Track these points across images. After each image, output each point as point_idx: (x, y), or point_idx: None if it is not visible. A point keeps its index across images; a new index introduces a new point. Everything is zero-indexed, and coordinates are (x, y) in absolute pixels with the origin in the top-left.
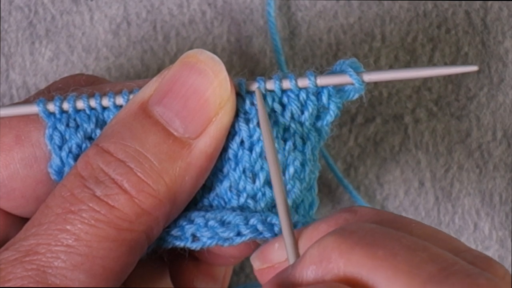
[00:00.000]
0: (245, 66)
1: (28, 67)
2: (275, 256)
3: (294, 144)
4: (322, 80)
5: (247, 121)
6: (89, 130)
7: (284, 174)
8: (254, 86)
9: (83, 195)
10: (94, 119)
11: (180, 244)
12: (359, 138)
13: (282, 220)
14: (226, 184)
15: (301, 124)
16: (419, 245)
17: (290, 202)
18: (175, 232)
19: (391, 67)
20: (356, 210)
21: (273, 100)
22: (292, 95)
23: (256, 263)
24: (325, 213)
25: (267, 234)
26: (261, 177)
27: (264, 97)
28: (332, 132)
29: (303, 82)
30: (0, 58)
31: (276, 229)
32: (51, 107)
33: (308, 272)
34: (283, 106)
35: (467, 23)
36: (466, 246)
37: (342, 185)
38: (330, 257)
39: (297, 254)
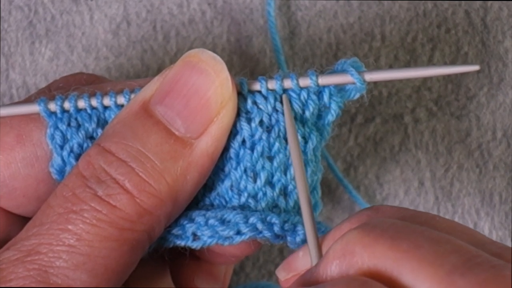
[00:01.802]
0: (245, 66)
1: (28, 67)
2: (299, 264)
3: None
4: (323, 80)
5: (249, 121)
6: (90, 129)
7: (285, 175)
8: (256, 86)
9: (85, 195)
10: (95, 119)
11: (181, 243)
12: (359, 137)
13: (306, 223)
14: (227, 183)
15: (303, 123)
16: (442, 237)
17: (292, 203)
18: (176, 231)
19: (391, 66)
20: (378, 208)
21: (275, 99)
22: (294, 95)
23: (282, 273)
24: (325, 212)
25: (267, 233)
26: (262, 176)
27: (266, 97)
28: (332, 132)
29: (304, 82)
30: (0, 58)
31: (276, 228)
32: (52, 106)
33: (332, 267)
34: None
35: (467, 23)
36: (490, 239)
37: (342, 185)
38: (353, 250)
39: (321, 256)
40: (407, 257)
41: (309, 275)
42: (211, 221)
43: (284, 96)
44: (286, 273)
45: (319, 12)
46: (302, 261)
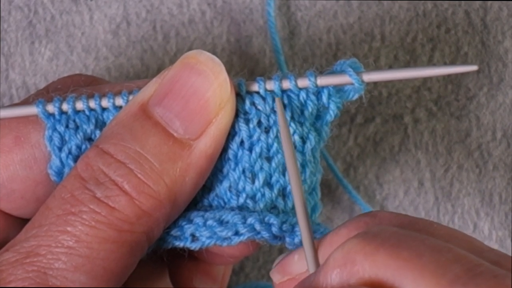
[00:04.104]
0: (244, 66)
1: (27, 67)
2: (295, 268)
3: (294, 144)
4: (322, 80)
5: (247, 122)
6: (88, 131)
7: (283, 175)
8: (255, 87)
9: (84, 197)
10: (93, 120)
11: (179, 244)
12: (359, 138)
13: (302, 229)
14: (225, 184)
15: (301, 124)
16: (443, 246)
17: (290, 204)
18: (174, 232)
19: (390, 67)
20: (376, 214)
21: (273, 100)
22: (292, 95)
23: (276, 276)
24: (325, 213)
25: (265, 234)
26: (261, 177)
27: (264, 98)
28: (332, 132)
29: (303, 82)
30: (0, 58)
31: (274, 229)
32: (51, 108)
33: (333, 276)
34: (283, 106)
35: (467, 23)
36: (488, 246)
37: (342, 185)
38: (354, 259)
39: (317, 262)
40: (409, 266)
41: (308, 283)
42: (209, 222)
43: (277, 100)
44: (281, 276)
45: (319, 12)
46: (297, 264)
